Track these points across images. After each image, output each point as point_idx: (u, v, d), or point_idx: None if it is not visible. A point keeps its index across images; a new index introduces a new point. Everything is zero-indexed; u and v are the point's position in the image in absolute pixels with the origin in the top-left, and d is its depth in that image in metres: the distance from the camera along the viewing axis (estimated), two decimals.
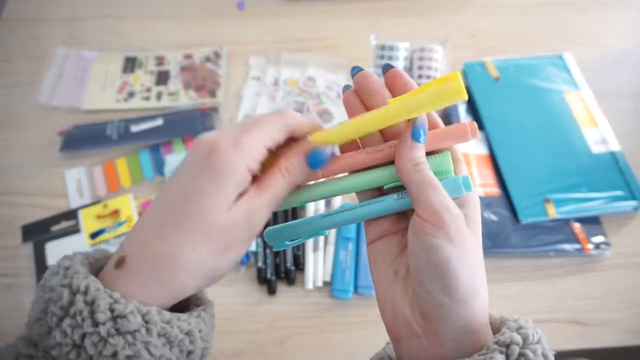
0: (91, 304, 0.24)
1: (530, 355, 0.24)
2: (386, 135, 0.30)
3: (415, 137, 0.27)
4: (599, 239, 0.57)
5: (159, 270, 0.25)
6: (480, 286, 0.26)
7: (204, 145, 0.26)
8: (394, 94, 0.29)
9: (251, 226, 0.26)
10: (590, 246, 0.57)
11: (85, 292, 0.24)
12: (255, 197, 0.27)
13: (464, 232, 0.26)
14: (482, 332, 0.26)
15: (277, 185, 0.28)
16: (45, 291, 0.25)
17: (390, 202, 0.28)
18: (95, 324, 0.23)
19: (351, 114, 0.30)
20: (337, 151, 0.30)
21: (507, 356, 0.24)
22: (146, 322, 0.24)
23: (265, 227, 0.30)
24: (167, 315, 0.25)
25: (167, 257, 0.25)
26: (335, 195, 0.30)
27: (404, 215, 0.30)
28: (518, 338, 0.25)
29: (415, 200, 0.26)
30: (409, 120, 0.28)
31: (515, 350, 0.24)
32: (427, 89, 0.27)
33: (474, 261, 0.26)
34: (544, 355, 0.25)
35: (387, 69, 0.30)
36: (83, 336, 0.23)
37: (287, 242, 0.31)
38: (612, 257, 0.57)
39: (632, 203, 0.59)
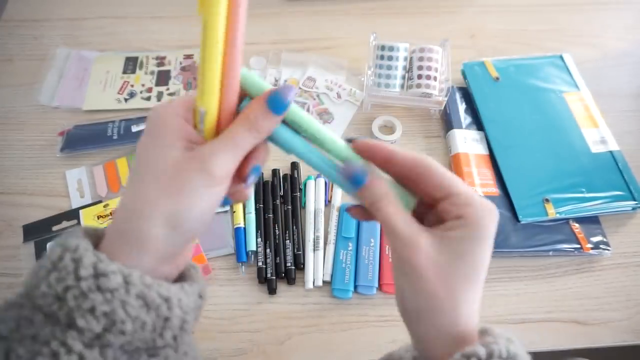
0: (77, 261, 0.25)
1: None
2: None
3: (357, 182, 0.30)
4: (598, 238, 0.58)
5: (123, 224, 0.27)
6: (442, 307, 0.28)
7: (149, 113, 0.29)
8: (374, 160, 0.31)
9: (204, 169, 0.27)
10: (589, 246, 0.57)
11: (75, 250, 0.26)
12: (210, 143, 0.28)
13: (420, 267, 0.28)
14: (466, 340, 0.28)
15: (236, 131, 0.28)
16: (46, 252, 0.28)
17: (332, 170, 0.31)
18: (78, 279, 0.25)
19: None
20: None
21: None
22: (126, 282, 0.25)
23: None
24: (149, 279, 0.26)
25: (124, 210, 0.28)
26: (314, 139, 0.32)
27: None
28: (482, 351, 0.26)
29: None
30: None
31: None
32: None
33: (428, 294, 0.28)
34: None
35: (351, 141, 0.32)
36: (66, 289, 0.25)
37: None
38: (612, 257, 0.57)
39: (631, 203, 0.59)
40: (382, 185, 0.30)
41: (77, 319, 0.24)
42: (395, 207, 0.29)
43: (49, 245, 0.28)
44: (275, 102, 0.29)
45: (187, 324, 0.28)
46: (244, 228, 0.59)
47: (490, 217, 0.29)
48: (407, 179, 0.31)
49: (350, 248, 0.56)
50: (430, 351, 0.28)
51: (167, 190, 0.27)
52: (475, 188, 0.60)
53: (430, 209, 0.31)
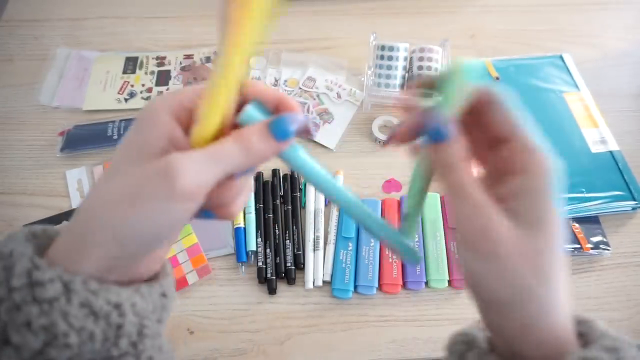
0: (9, 269, 0.22)
1: None
2: None
3: (440, 137, 0.27)
4: (598, 238, 0.57)
5: (74, 224, 0.24)
6: (537, 290, 0.24)
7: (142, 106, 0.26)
8: None
9: (168, 178, 0.22)
10: (589, 246, 0.57)
11: (9, 257, 0.23)
12: (190, 152, 0.24)
13: (496, 243, 0.24)
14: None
15: (225, 147, 0.24)
16: None
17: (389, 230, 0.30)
18: (10, 290, 0.22)
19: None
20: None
21: None
22: (67, 290, 0.22)
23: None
24: (94, 285, 0.23)
25: (81, 208, 0.25)
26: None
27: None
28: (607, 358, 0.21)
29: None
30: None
31: None
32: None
33: (515, 273, 0.24)
34: None
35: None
36: None
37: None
38: (612, 257, 0.57)
39: (631, 203, 0.59)
40: (463, 144, 0.27)
41: (11, 335, 0.22)
42: (471, 172, 0.26)
43: None
44: (279, 126, 0.25)
45: (147, 328, 0.25)
46: (244, 228, 0.59)
47: (549, 174, 0.25)
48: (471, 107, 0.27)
49: (350, 248, 0.56)
50: (517, 347, 0.24)
51: (124, 195, 0.23)
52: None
53: (484, 158, 0.28)
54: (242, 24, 0.24)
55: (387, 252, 0.56)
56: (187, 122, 0.26)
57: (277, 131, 0.25)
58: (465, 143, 0.27)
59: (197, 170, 0.23)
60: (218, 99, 0.25)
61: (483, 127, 0.28)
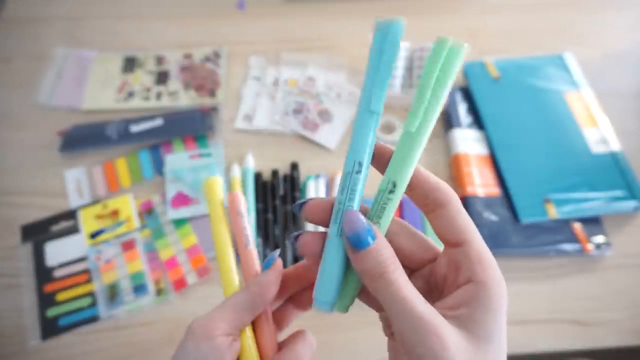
0: None
1: None
2: None
3: (360, 244, 0.23)
4: (599, 239, 0.57)
5: None
6: None
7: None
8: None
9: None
10: (590, 246, 0.57)
11: None
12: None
13: None
14: None
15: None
16: None
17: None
18: None
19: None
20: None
21: None
22: None
23: None
24: None
25: None
26: None
27: None
28: None
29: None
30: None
31: None
32: None
33: None
34: None
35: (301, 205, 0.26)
36: None
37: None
38: (613, 257, 0.57)
39: (632, 203, 0.59)
40: (392, 250, 0.23)
41: None
42: (410, 283, 0.23)
43: None
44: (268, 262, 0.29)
45: None
46: None
47: (502, 284, 0.23)
48: (420, 203, 0.25)
49: None
50: None
51: None
52: (475, 188, 0.60)
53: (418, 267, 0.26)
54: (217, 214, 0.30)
55: None
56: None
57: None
58: (390, 247, 0.24)
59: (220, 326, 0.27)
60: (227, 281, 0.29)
61: (434, 228, 0.25)
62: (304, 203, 0.26)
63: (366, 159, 0.24)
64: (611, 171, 0.61)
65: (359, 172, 0.24)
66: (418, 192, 0.25)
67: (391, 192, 0.24)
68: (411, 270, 0.27)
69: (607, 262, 0.57)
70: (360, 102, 0.24)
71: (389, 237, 0.25)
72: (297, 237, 0.26)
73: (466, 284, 0.23)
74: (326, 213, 0.25)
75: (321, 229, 0.26)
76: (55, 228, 0.59)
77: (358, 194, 0.24)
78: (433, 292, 0.25)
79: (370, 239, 0.23)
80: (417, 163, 0.24)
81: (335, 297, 0.26)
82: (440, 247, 0.26)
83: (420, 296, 0.22)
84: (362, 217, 0.23)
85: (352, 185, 0.24)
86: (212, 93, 0.71)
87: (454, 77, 0.23)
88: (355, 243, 0.23)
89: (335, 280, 0.25)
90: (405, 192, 0.25)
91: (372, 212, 0.24)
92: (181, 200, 0.60)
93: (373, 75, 0.24)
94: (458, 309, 0.23)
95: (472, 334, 0.22)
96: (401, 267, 0.23)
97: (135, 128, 0.66)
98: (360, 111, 0.24)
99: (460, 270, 0.23)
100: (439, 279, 0.25)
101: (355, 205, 0.24)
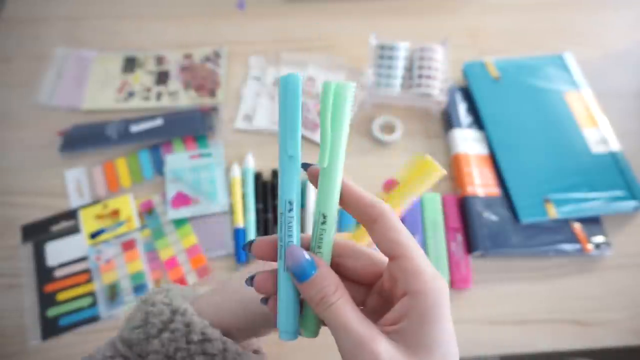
0: (188, 325, 0.29)
1: None
2: None
3: (303, 276, 0.25)
4: (599, 239, 0.57)
5: (214, 298, 0.33)
6: None
7: None
8: None
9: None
10: (590, 246, 0.57)
11: (183, 314, 0.30)
12: None
13: None
14: None
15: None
16: (147, 304, 0.31)
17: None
18: (188, 342, 0.29)
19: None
20: None
21: None
22: (225, 350, 0.29)
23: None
24: (239, 349, 0.30)
25: (218, 288, 0.34)
26: None
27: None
28: None
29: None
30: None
31: None
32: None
33: None
34: None
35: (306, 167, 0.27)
36: (176, 350, 0.29)
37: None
38: (613, 257, 0.57)
39: (632, 203, 0.59)
40: (334, 276, 0.25)
41: None
42: (350, 304, 0.24)
43: (149, 292, 0.32)
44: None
45: None
46: (244, 229, 0.58)
47: (443, 292, 0.23)
48: (358, 219, 0.26)
49: None
50: None
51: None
52: (475, 188, 0.60)
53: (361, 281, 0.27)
54: None
55: None
56: None
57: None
58: (334, 274, 0.25)
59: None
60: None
61: (374, 243, 0.26)
62: (250, 243, 0.27)
63: (295, 197, 0.26)
64: (611, 171, 0.61)
65: (291, 209, 0.26)
66: (353, 210, 0.26)
67: (323, 223, 0.26)
68: (368, 286, 0.28)
69: (607, 262, 0.57)
70: (279, 147, 0.26)
71: (335, 260, 0.27)
72: (252, 279, 0.27)
73: (403, 296, 0.24)
74: (273, 250, 0.27)
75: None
76: (56, 228, 0.59)
77: (295, 229, 0.26)
78: (388, 304, 0.26)
79: (312, 270, 0.24)
80: (338, 193, 0.26)
81: (296, 326, 0.27)
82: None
83: (360, 316, 0.24)
84: (302, 251, 0.25)
85: (288, 223, 0.26)
86: (212, 93, 0.71)
87: (347, 114, 0.25)
88: (299, 275, 0.25)
89: (292, 311, 0.26)
90: (345, 209, 0.26)
91: (313, 243, 0.26)
92: (181, 200, 0.60)
93: (283, 123, 0.25)
94: (398, 322, 0.23)
95: (408, 346, 0.22)
96: (343, 290, 0.24)
97: (135, 128, 0.66)
98: (280, 156, 0.26)
99: (397, 282, 0.24)
100: (386, 293, 0.26)
101: (295, 240, 0.26)
